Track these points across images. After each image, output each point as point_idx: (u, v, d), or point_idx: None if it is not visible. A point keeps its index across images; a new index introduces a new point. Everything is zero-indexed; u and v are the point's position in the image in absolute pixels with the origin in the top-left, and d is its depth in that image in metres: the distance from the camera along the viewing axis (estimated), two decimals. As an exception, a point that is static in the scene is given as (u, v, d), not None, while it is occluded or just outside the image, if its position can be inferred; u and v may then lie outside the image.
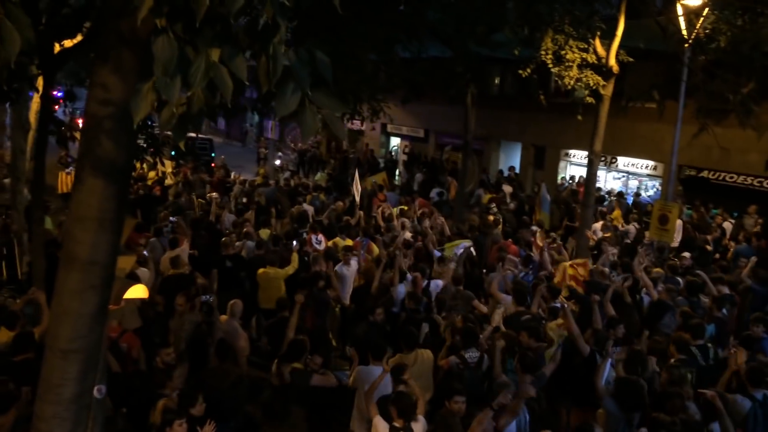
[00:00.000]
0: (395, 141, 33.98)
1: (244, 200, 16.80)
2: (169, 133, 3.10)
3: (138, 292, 6.34)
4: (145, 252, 10.48)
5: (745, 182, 17.71)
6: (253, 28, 2.86)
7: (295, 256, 10.33)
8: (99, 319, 3.91)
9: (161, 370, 6.45)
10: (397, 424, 5.67)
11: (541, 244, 12.47)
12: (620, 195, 19.79)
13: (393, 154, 32.60)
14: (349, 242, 11.88)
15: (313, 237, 12.26)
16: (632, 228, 15.99)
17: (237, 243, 11.23)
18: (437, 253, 11.56)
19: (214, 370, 7.00)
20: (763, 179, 17.33)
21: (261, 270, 10.00)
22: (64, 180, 18.38)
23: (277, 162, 28.04)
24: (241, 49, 2.89)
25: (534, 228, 14.01)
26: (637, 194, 20.14)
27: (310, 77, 2.93)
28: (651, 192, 21.14)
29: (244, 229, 12.04)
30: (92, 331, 3.87)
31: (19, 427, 5.21)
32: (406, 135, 32.04)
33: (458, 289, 9.81)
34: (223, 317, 8.35)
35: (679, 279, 10.58)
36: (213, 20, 2.80)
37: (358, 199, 15.95)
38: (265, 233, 12.60)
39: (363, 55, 13.51)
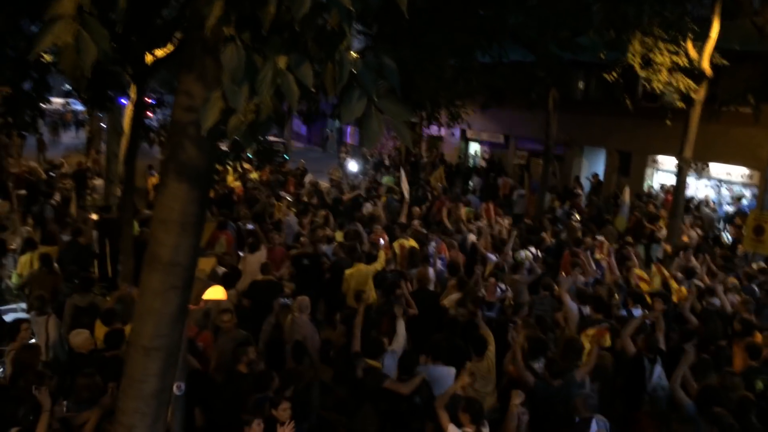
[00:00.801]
0: (474, 147, 33.68)
1: (314, 201, 17.08)
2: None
3: (216, 293, 6.52)
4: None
5: None
6: (320, 34, 2.87)
7: (382, 254, 10.40)
8: (180, 318, 4.03)
9: (263, 372, 6.61)
10: (469, 430, 5.67)
11: (604, 252, 12.09)
12: (698, 206, 18.92)
13: (472, 159, 32.30)
14: (413, 243, 11.85)
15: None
16: (694, 234, 15.35)
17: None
18: (491, 257, 11.48)
19: (290, 372, 7.10)
20: None
21: (351, 270, 10.12)
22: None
23: (352, 168, 27.98)
24: (308, 56, 2.90)
25: (600, 238, 13.49)
26: (738, 199, 19.10)
27: (376, 84, 2.92)
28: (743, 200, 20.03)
29: (323, 233, 12.18)
30: (173, 330, 3.99)
31: (105, 421, 5.46)
32: (486, 141, 31.69)
33: (545, 294, 9.67)
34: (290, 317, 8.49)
35: (755, 287, 10.39)
36: (280, 28, 2.83)
37: (407, 196, 15.84)
38: (339, 235, 12.76)
39: (442, 61, 13.48)
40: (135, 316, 4.00)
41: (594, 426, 5.92)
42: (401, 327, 7.70)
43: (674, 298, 9.87)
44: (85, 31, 2.71)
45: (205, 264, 9.36)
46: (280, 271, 10.29)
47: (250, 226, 12.88)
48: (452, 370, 7.01)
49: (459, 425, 5.77)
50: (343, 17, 2.80)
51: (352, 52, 2.90)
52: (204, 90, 3.55)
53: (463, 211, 15.82)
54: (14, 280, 10.67)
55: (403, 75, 3.13)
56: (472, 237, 13.06)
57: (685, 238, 14.51)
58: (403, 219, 14.40)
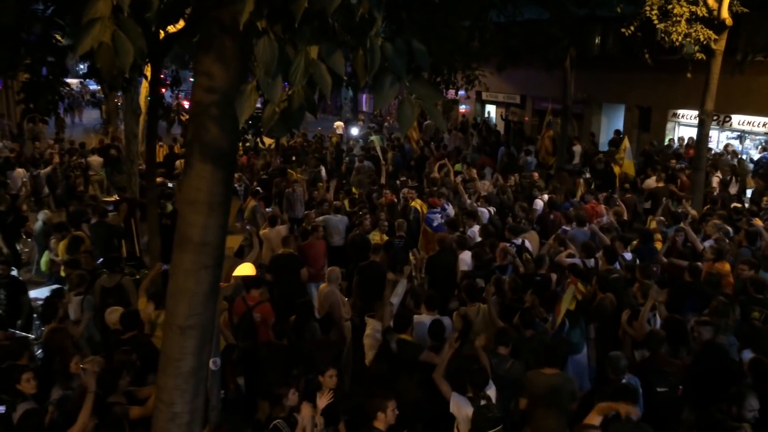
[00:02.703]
0: (491, 108, 33.34)
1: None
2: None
3: (246, 269, 6.61)
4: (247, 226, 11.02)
5: None
6: (350, 22, 2.87)
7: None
8: (212, 296, 4.11)
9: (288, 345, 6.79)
10: (471, 395, 5.71)
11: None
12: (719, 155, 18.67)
13: (488, 121, 32.02)
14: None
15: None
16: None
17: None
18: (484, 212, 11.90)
19: (319, 342, 7.22)
20: None
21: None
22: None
23: (354, 132, 28.76)
24: (339, 44, 2.91)
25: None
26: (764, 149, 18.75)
27: (406, 67, 2.94)
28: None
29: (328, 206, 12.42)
30: (206, 308, 4.06)
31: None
32: (502, 102, 31.35)
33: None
34: (323, 285, 8.60)
35: (729, 228, 10.72)
36: (311, 18, 2.83)
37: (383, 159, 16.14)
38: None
39: (456, 23, 13.28)
40: (168, 297, 4.08)
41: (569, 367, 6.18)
42: (401, 286, 7.86)
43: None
44: (121, 31, 2.76)
45: (234, 242, 9.48)
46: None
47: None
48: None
49: (463, 392, 5.81)
50: (374, 4, 2.82)
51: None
52: (224, 70, 3.56)
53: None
54: (43, 267, 10.87)
55: (418, 39, 3.13)
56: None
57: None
58: (382, 181, 14.62)
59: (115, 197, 13.95)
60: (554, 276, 8.70)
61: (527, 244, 10.10)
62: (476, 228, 10.79)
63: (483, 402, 5.49)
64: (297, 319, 7.55)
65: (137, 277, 9.31)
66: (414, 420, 6.32)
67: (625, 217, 12.30)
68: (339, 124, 30.30)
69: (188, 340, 4.02)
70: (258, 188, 14.25)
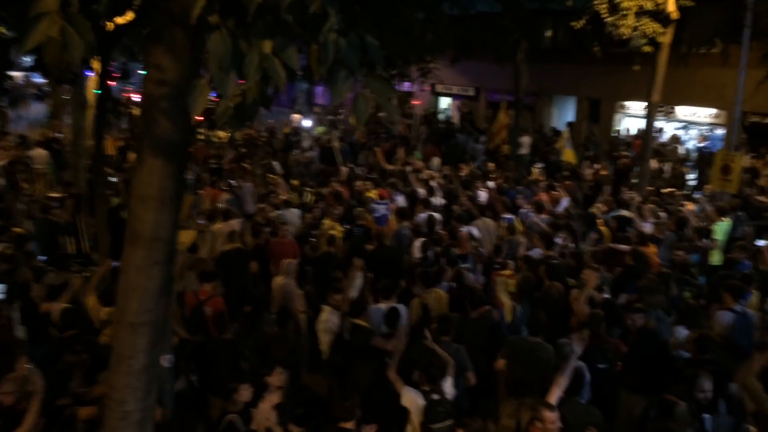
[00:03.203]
0: (446, 101, 33.55)
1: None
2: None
3: (187, 236, 6.52)
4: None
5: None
6: (304, 17, 2.87)
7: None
8: (164, 292, 4.03)
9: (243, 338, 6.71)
10: (426, 388, 5.65)
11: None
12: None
13: (443, 113, 32.23)
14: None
15: None
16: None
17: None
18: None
19: (274, 336, 7.16)
20: None
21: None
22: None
23: (304, 123, 28.89)
24: (292, 38, 2.91)
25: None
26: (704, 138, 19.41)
27: (360, 62, 2.96)
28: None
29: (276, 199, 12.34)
30: (158, 304, 3.99)
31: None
32: (457, 94, 31.58)
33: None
34: (279, 278, 8.54)
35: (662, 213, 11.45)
36: (264, 12, 2.82)
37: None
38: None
39: (410, 15, 13.30)
40: (119, 293, 3.99)
41: None
42: (359, 278, 8.01)
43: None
44: (69, 26, 2.69)
45: (185, 237, 9.30)
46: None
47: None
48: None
49: (416, 385, 5.80)
50: (326, 1, 2.82)
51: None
52: (174, 62, 3.49)
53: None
54: None
55: (371, 32, 3.16)
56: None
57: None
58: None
59: (61, 193, 13.56)
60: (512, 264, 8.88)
61: (474, 231, 10.29)
62: (425, 215, 10.96)
63: (436, 396, 5.54)
64: (251, 313, 7.49)
65: (86, 274, 9.07)
66: (368, 407, 6.36)
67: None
68: (296, 116, 30.16)
69: (140, 337, 3.94)
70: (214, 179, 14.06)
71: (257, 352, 6.69)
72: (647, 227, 10.41)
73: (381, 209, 11.52)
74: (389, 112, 3.22)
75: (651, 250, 9.32)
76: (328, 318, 7.23)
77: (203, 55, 3.03)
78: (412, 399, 5.71)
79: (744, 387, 5.62)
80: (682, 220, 10.68)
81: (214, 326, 7.03)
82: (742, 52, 13.48)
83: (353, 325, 6.80)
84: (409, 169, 14.61)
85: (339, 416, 5.09)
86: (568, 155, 16.92)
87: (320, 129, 21.45)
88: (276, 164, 17.57)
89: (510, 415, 6.39)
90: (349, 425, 5.08)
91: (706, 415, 5.53)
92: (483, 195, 13.14)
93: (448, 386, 5.80)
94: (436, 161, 18.04)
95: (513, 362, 6.37)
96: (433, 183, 13.47)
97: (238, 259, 9.18)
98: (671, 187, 14.79)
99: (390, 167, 14.98)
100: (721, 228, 10.69)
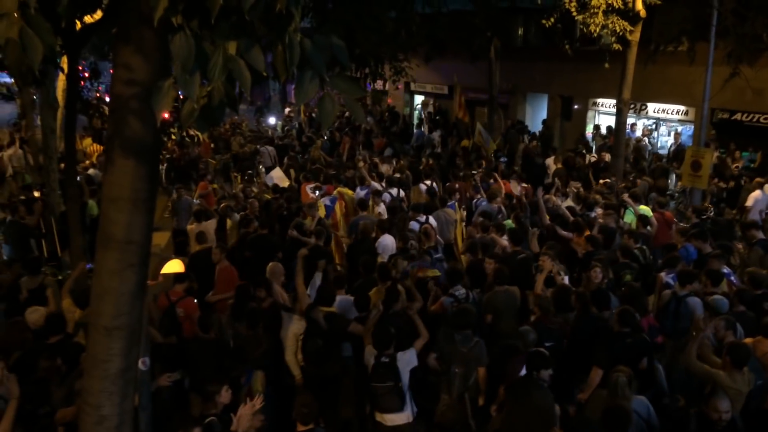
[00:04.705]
0: (420, 99, 33.61)
1: None
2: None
3: (174, 267, 6.47)
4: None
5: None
6: (268, 18, 2.87)
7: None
8: (139, 295, 4.00)
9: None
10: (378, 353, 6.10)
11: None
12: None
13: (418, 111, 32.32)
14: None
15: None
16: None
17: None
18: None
19: (246, 338, 7.13)
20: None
21: None
22: None
23: (271, 121, 29.23)
24: (258, 39, 2.90)
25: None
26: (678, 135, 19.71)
27: (326, 63, 2.97)
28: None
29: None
30: (133, 307, 3.95)
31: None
32: (430, 92, 31.66)
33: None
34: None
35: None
36: (228, 13, 2.81)
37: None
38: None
39: (382, 14, 13.32)
40: (93, 297, 3.95)
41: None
42: (317, 278, 8.22)
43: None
44: (29, 27, 2.68)
45: (160, 239, 9.23)
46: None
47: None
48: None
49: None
50: (291, 1, 2.82)
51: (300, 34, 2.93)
52: (144, 62, 3.46)
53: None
54: None
55: (344, 32, 3.19)
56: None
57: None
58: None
59: (31, 194, 13.35)
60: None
61: (431, 221, 10.49)
62: (383, 207, 11.26)
63: (385, 359, 6.03)
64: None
65: (60, 277, 8.95)
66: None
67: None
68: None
69: (115, 341, 3.90)
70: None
71: (234, 353, 6.67)
72: (592, 215, 10.87)
73: (327, 202, 11.75)
74: (355, 112, 3.25)
75: (581, 239, 9.54)
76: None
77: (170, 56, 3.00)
78: (366, 358, 6.27)
79: (689, 368, 6.09)
80: (617, 208, 11.15)
81: (197, 326, 7.00)
82: (708, 50, 13.72)
83: (327, 314, 6.87)
84: (361, 164, 14.86)
85: (297, 419, 5.19)
86: (490, 147, 17.40)
87: (280, 124, 21.70)
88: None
89: None
90: (306, 429, 5.15)
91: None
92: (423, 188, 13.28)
93: (405, 358, 6.15)
94: (387, 152, 18.30)
95: (496, 316, 7.24)
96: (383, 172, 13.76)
97: (209, 259, 9.13)
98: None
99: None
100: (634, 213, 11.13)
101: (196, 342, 6.83)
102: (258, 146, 19.06)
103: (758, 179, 13.66)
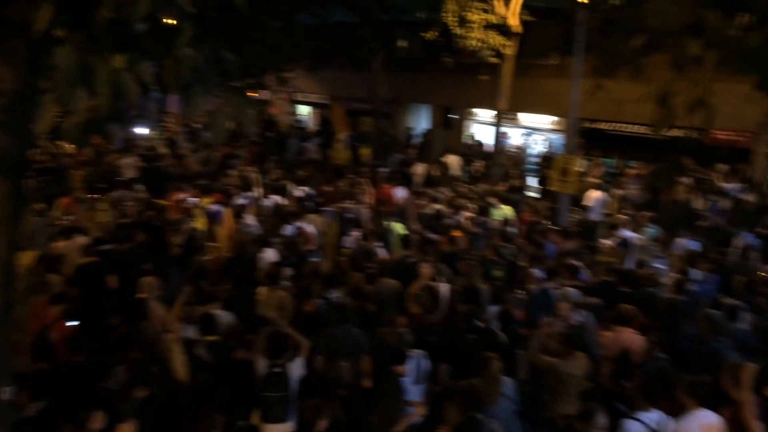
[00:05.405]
0: (304, 109, 33.55)
1: None
2: None
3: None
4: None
5: (639, 132, 18.58)
6: (157, 31, 2.80)
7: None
8: (3, 318, 3.74)
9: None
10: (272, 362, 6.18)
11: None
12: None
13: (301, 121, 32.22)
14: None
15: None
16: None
17: None
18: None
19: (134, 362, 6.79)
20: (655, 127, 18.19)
21: None
22: None
23: (142, 131, 28.20)
24: (146, 53, 2.82)
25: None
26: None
27: (217, 76, 2.94)
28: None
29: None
30: (-1, 332, 3.69)
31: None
32: (315, 103, 31.68)
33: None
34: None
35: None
36: (115, 27, 2.71)
37: None
38: None
39: (266, 24, 13.21)
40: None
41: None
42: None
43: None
44: None
45: (26, 258, 8.57)
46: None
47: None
48: None
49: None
50: (181, 16, 2.78)
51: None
52: (13, 72, 3.25)
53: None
54: None
55: (227, 41, 3.15)
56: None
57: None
58: None
59: None
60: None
61: (305, 226, 10.59)
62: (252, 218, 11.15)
63: (277, 369, 6.11)
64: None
65: None
66: None
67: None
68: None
69: (-21, 369, 3.62)
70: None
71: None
72: (457, 219, 11.53)
73: (214, 209, 11.48)
74: (246, 125, 3.23)
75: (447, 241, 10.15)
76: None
77: (50, 70, 2.85)
78: (258, 369, 6.24)
79: (532, 362, 6.70)
80: (483, 210, 12.12)
81: (66, 349, 6.58)
82: (574, 64, 14.65)
83: (209, 344, 6.69)
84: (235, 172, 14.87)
85: None
86: (342, 156, 17.90)
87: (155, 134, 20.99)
88: None
89: None
90: None
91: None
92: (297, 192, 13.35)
93: (296, 365, 6.25)
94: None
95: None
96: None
97: (94, 273, 8.65)
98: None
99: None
100: (498, 214, 12.11)
101: (66, 366, 6.43)
102: (123, 157, 17.96)
103: (594, 179, 14.78)
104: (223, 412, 5.59)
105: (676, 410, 5.38)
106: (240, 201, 12.13)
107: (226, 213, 11.21)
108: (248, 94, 22.88)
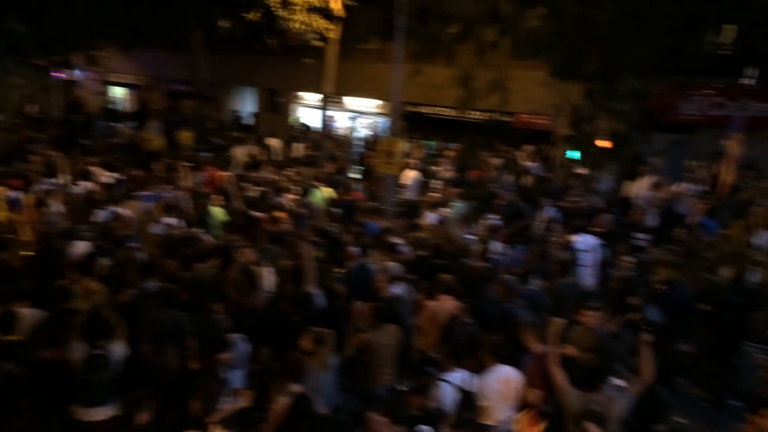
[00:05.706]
0: (119, 91, 31.48)
1: None
2: None
3: None
4: None
5: (457, 115, 19.73)
6: None
7: None
8: None
9: None
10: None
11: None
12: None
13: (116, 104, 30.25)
14: None
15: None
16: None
17: None
18: None
19: None
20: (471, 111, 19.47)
21: None
22: None
23: None
24: None
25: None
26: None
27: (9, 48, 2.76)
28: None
29: None
30: None
31: None
32: (132, 84, 29.84)
33: None
34: None
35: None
36: None
37: None
38: None
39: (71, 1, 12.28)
40: None
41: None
42: None
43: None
44: None
45: None
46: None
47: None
48: None
49: None
50: None
51: None
52: None
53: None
54: None
55: (29, 15, 2.97)
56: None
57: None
58: None
59: None
60: None
61: (121, 211, 10.18)
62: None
63: (98, 352, 6.01)
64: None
65: None
66: None
67: None
68: None
69: None
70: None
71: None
72: (280, 200, 11.80)
73: (12, 196, 10.58)
74: (42, 102, 3.06)
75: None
76: None
77: None
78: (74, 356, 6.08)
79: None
80: (306, 192, 12.52)
81: None
82: (395, 49, 15.22)
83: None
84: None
85: None
86: (154, 142, 17.55)
87: None
88: None
89: None
90: None
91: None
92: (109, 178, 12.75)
93: (117, 346, 6.16)
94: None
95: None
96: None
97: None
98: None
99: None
100: (319, 196, 12.53)
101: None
102: None
103: (414, 160, 15.65)
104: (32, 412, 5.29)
105: (479, 368, 6.03)
106: (43, 187, 11.25)
107: (26, 200, 10.29)
108: (53, 74, 21.01)
